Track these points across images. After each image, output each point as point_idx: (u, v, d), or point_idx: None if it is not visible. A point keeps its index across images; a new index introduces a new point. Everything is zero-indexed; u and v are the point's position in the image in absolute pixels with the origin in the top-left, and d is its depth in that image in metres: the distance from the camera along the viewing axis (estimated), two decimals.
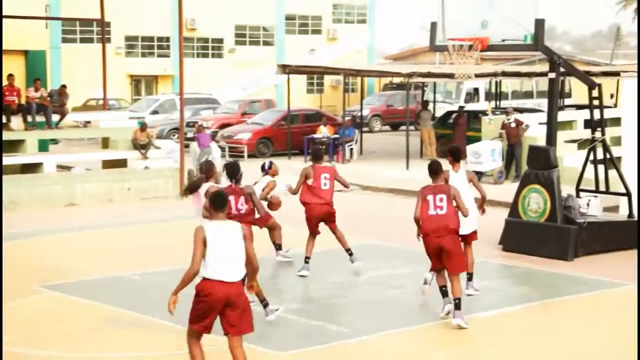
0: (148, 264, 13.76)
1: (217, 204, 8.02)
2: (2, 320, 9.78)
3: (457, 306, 10.32)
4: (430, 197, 10.41)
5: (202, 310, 7.89)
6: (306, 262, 12.86)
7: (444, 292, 10.58)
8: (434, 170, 10.61)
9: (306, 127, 30.47)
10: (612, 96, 31.58)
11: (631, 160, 16.70)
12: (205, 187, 10.99)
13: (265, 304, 10.50)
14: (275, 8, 51.30)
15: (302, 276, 12.79)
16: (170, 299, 7.95)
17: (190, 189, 11.49)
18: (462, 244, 11.01)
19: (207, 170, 11.23)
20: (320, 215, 12.76)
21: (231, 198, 10.43)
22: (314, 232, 12.90)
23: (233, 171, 11.03)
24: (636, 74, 18.82)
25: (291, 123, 30.39)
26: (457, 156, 11.61)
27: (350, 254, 13.05)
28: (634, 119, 16.76)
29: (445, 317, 10.53)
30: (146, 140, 22.74)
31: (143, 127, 23.19)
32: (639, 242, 14.48)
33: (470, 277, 11.75)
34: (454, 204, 10.45)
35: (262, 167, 13.31)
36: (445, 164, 11.15)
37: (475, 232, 11.69)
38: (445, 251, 10.41)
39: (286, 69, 30.10)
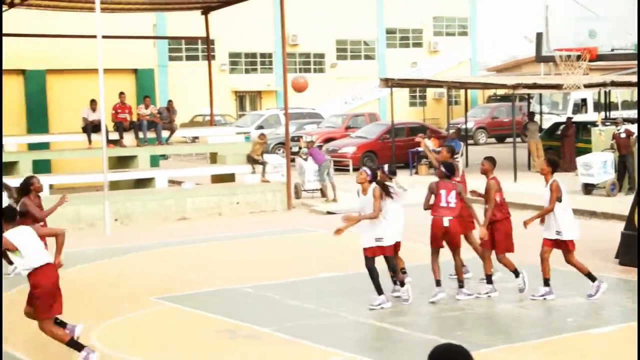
0: (260, 277, 13.90)
1: (6, 218, 9.23)
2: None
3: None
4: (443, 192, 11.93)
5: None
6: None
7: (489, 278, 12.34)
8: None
9: (410, 140, 30.36)
10: None
11: None
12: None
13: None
14: (376, 22, 51.45)
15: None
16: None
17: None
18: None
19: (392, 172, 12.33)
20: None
21: (442, 192, 11.83)
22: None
23: (452, 169, 12.17)
24: None
25: (395, 136, 30.35)
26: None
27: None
28: None
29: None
30: (261, 152, 22.94)
31: (262, 136, 23.38)
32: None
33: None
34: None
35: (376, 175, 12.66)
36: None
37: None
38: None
39: (389, 83, 30.06)
